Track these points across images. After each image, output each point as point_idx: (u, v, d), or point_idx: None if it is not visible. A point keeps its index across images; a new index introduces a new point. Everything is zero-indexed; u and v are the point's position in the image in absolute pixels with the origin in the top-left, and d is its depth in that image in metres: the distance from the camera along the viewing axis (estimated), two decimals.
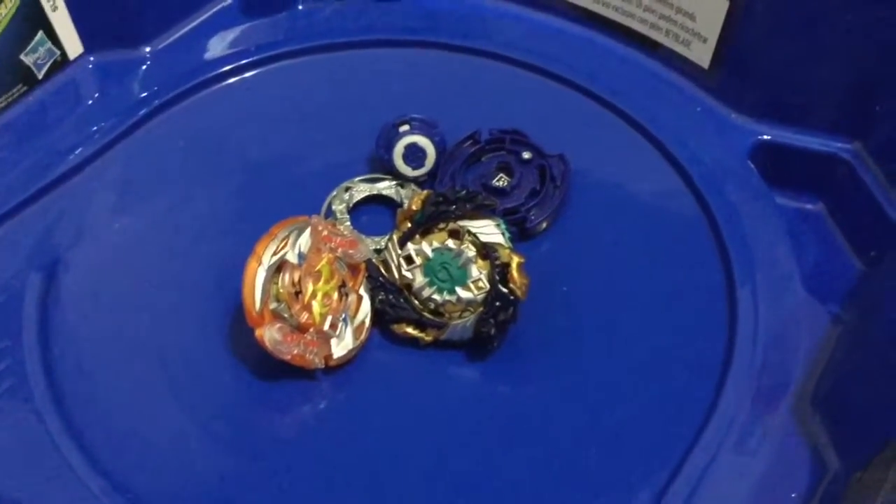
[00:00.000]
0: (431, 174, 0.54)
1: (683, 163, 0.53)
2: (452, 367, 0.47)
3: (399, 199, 0.53)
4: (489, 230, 0.46)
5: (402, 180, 0.53)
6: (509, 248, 0.46)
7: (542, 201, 0.52)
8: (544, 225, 0.52)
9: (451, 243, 0.47)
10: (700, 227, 0.51)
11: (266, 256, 0.45)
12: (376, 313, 0.48)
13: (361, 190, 0.53)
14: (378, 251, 0.50)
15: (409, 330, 0.47)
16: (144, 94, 0.57)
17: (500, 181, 0.53)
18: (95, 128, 0.56)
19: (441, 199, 0.47)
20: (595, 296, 0.49)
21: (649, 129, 0.54)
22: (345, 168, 0.54)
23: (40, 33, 0.56)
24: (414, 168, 0.53)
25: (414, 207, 0.47)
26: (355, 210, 0.53)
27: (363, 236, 0.50)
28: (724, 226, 0.50)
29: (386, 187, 0.53)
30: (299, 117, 0.57)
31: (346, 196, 0.53)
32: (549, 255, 0.51)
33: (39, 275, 0.49)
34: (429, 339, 0.47)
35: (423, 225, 0.47)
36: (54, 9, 0.56)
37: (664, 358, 0.46)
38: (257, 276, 0.44)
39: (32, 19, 0.55)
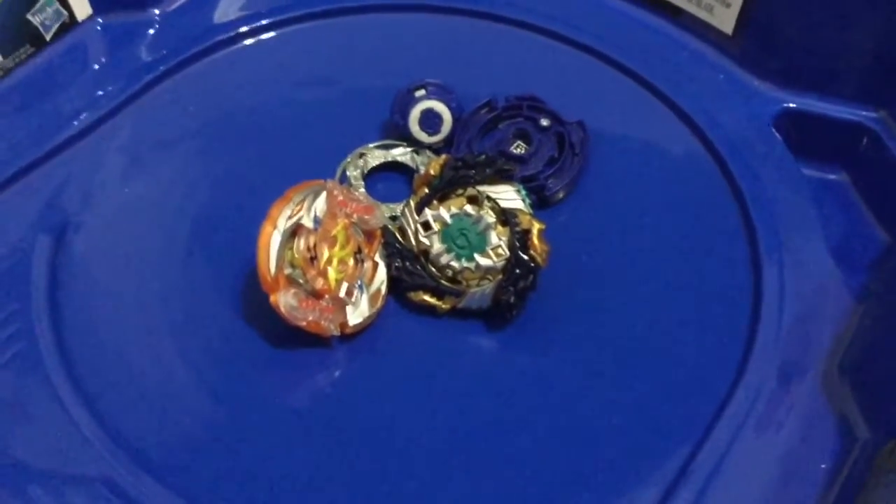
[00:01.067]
0: (447, 141, 0.52)
1: (706, 131, 0.52)
2: (470, 336, 0.46)
3: (414, 166, 0.52)
4: (509, 196, 0.45)
5: (417, 147, 0.52)
6: (530, 214, 0.45)
7: (561, 169, 0.51)
8: (562, 193, 0.51)
9: (469, 209, 0.45)
10: (723, 196, 0.50)
11: (281, 220, 0.44)
12: (392, 280, 0.47)
13: (376, 156, 0.52)
14: (393, 218, 0.49)
15: (426, 298, 0.46)
16: (153, 57, 0.56)
17: (518, 148, 0.52)
18: (103, 91, 0.54)
19: (460, 163, 0.46)
20: (615, 265, 0.48)
21: (671, 97, 0.53)
22: (359, 134, 0.53)
23: None
24: (430, 134, 0.52)
25: (432, 172, 0.46)
26: (370, 177, 0.52)
27: (378, 202, 0.49)
28: (749, 195, 0.49)
29: (401, 154, 0.52)
30: (312, 82, 0.56)
31: (361, 162, 0.52)
32: (568, 224, 0.50)
33: (48, 238, 0.48)
34: (446, 307, 0.46)
35: (441, 190, 0.46)
36: None
37: (687, 329, 0.45)
38: (272, 240, 0.43)
39: None
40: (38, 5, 0.54)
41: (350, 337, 0.46)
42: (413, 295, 0.46)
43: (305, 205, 0.45)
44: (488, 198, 0.46)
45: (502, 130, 0.53)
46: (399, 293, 0.47)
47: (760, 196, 0.49)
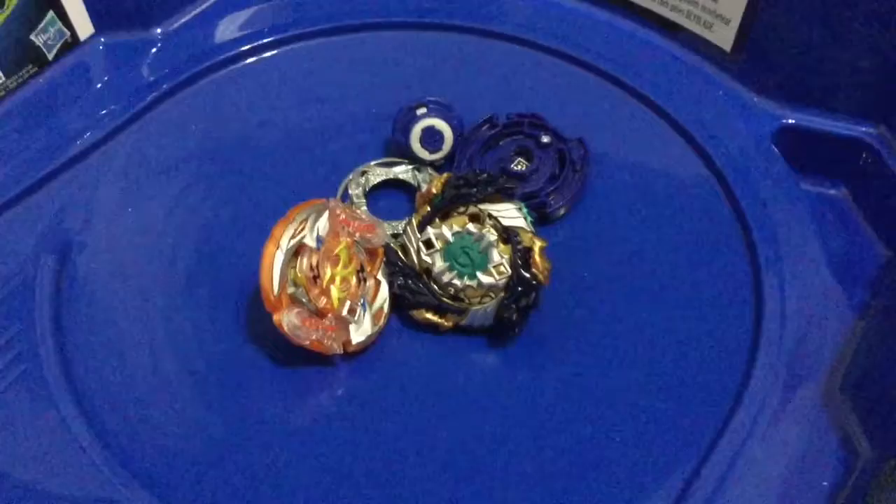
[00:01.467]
0: (448, 158, 0.53)
1: (706, 147, 0.52)
2: (473, 354, 0.46)
3: (416, 183, 0.52)
4: (511, 214, 0.46)
5: (418, 164, 0.53)
6: (531, 231, 0.45)
7: (562, 186, 0.51)
8: (563, 210, 0.51)
9: (471, 227, 0.46)
10: (723, 212, 0.50)
11: (284, 240, 0.44)
12: (395, 298, 0.47)
13: (378, 174, 0.52)
14: (395, 236, 0.49)
15: (429, 316, 0.46)
16: (156, 76, 0.57)
17: (519, 165, 0.52)
18: (106, 110, 0.55)
19: (462, 181, 0.46)
20: (617, 282, 0.48)
21: (670, 113, 0.53)
22: (360, 152, 0.54)
23: (50, 13, 0.55)
24: (431, 151, 0.52)
25: (434, 190, 0.46)
26: (371, 194, 0.52)
27: (380, 220, 0.49)
28: (749, 211, 0.50)
29: (402, 171, 0.53)
30: (313, 100, 0.56)
31: (362, 180, 0.52)
32: (569, 241, 0.50)
33: (51, 259, 0.48)
34: (448, 324, 0.46)
35: (443, 208, 0.46)
36: None
37: (689, 345, 0.45)
38: (275, 259, 0.44)
39: None
40: (40, 25, 0.54)
41: (353, 355, 0.46)
42: (415, 313, 0.46)
43: (308, 224, 0.45)
44: (490, 216, 0.46)
45: (503, 147, 0.53)
46: (401, 311, 0.47)
47: (760, 212, 0.50)
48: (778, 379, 0.43)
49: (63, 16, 0.55)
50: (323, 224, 0.45)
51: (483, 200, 0.46)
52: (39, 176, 0.51)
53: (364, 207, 0.51)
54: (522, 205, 0.46)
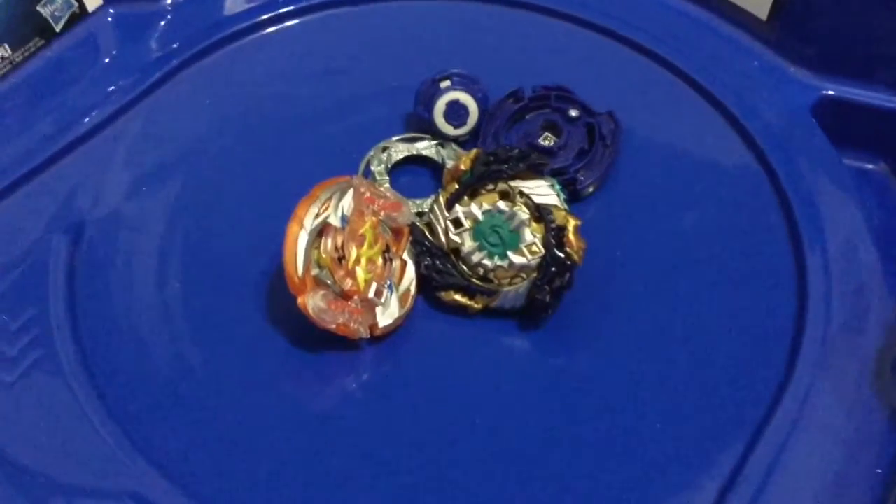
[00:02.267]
0: (473, 133, 0.51)
1: (742, 119, 0.50)
2: (503, 337, 0.44)
3: (440, 160, 0.50)
4: (543, 191, 0.44)
5: (442, 139, 0.51)
6: (565, 209, 0.43)
7: (591, 162, 0.49)
8: (593, 187, 0.49)
9: (502, 205, 0.44)
10: (762, 187, 0.48)
11: (308, 219, 0.42)
12: (422, 279, 0.45)
13: (400, 150, 0.50)
14: (419, 214, 0.47)
15: (458, 297, 0.44)
16: (167, 49, 0.55)
17: (547, 140, 0.50)
18: (116, 85, 0.53)
19: (492, 158, 0.44)
20: (651, 261, 0.46)
21: (704, 85, 0.51)
22: (381, 127, 0.51)
23: None
24: (455, 126, 0.50)
25: (462, 167, 0.44)
26: (393, 171, 0.50)
27: (405, 198, 0.48)
28: (788, 186, 0.48)
29: (426, 147, 0.51)
30: (333, 73, 0.54)
31: (384, 156, 0.50)
32: (600, 219, 0.48)
33: (64, 240, 0.46)
34: (478, 306, 0.44)
35: (472, 186, 0.44)
36: None
37: (730, 326, 0.43)
38: (299, 239, 0.42)
39: None
40: None
41: (379, 339, 0.44)
42: (444, 294, 0.45)
43: (332, 203, 0.43)
44: (521, 193, 0.44)
45: (530, 122, 0.51)
46: (429, 293, 0.45)
47: (800, 187, 0.48)
48: (825, 360, 0.41)
49: None
50: (347, 203, 0.43)
51: (514, 177, 0.44)
52: (48, 154, 0.49)
53: (387, 184, 0.49)
54: (555, 181, 0.44)
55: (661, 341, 0.43)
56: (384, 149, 0.50)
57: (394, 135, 0.51)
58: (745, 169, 0.49)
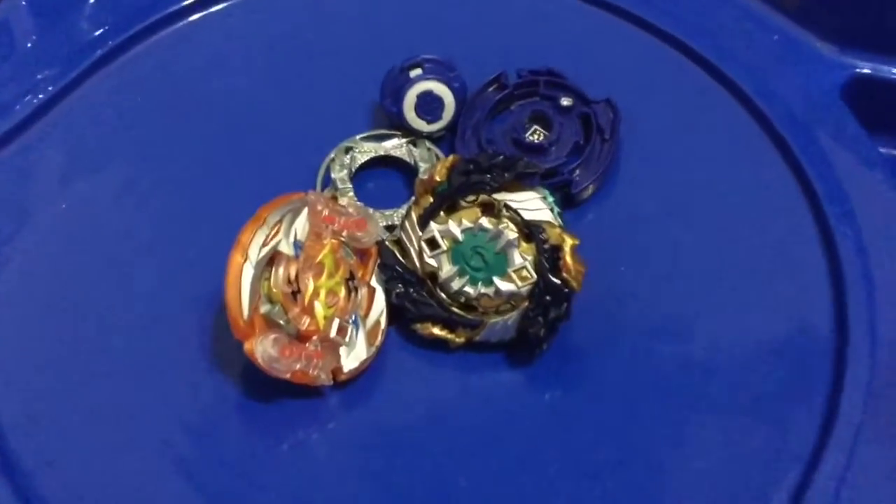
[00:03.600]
0: (450, 128, 0.44)
1: (761, 104, 0.44)
2: (490, 374, 0.38)
3: (412, 161, 0.43)
4: (533, 204, 0.37)
5: (413, 136, 0.43)
6: (559, 226, 0.37)
7: (589, 159, 0.42)
8: (591, 189, 0.42)
9: (485, 222, 0.37)
10: (786, 181, 0.42)
11: (253, 248, 0.35)
12: (393, 310, 0.38)
13: (365, 150, 0.43)
14: (389, 228, 0.40)
15: (436, 331, 0.38)
16: (94, 35, 0.47)
17: (535, 135, 0.43)
18: (32, 81, 0.45)
19: (471, 166, 0.37)
20: (662, 276, 0.40)
21: (718, 65, 0.45)
22: (343, 123, 0.44)
23: None
24: (429, 122, 0.43)
25: (437, 178, 0.37)
26: (358, 176, 0.43)
27: (371, 211, 0.41)
28: (816, 178, 0.42)
29: (395, 146, 0.43)
30: (285, 60, 0.47)
31: (347, 159, 0.43)
32: (599, 227, 0.42)
33: None
34: (460, 340, 0.38)
35: (449, 199, 0.37)
36: None
37: (761, 348, 0.38)
38: (243, 273, 0.35)
39: None
40: None
41: (345, 383, 0.37)
42: (419, 327, 0.38)
43: (283, 226, 0.36)
44: (507, 207, 0.37)
45: (515, 113, 0.44)
46: (402, 324, 0.39)
47: (829, 181, 0.42)
48: (876, 379, 0.35)
49: None
50: (301, 225, 0.37)
51: (499, 189, 0.37)
52: None
53: (350, 194, 0.42)
54: (547, 193, 0.37)
55: (677, 375, 0.37)
56: (347, 150, 0.43)
57: (357, 132, 0.44)
58: (766, 161, 0.43)
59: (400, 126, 0.43)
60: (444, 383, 0.38)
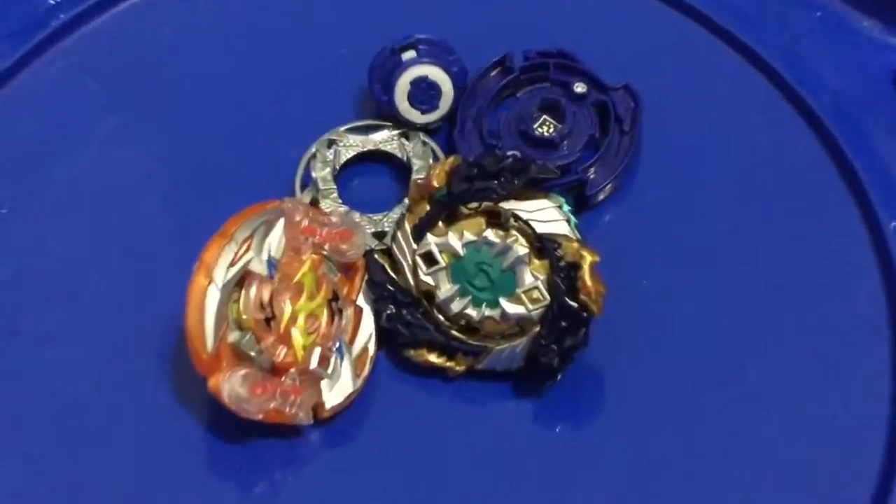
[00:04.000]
0: (447, 118, 0.38)
1: (801, 91, 0.38)
2: (494, 405, 0.33)
3: (404, 157, 0.38)
4: (547, 214, 0.32)
5: (406, 128, 0.38)
6: (577, 240, 0.31)
7: (606, 154, 0.37)
8: (609, 189, 0.37)
9: (491, 234, 0.32)
10: (830, 179, 0.37)
11: (219, 269, 0.30)
12: (383, 333, 0.33)
13: (351, 144, 0.38)
14: (378, 235, 0.35)
15: (432, 358, 0.33)
16: (38, 12, 0.41)
17: (545, 126, 0.38)
18: None
19: (475, 171, 0.32)
20: (690, 292, 0.35)
21: (752, 46, 0.39)
22: (326, 112, 0.39)
23: None
24: (424, 111, 0.38)
25: (435, 183, 0.32)
26: (342, 173, 0.38)
27: (358, 217, 0.35)
28: (867, 179, 0.36)
29: (385, 140, 0.38)
30: (260, 40, 0.41)
31: (330, 154, 0.38)
32: (617, 233, 0.37)
33: None
34: (460, 368, 0.33)
35: (449, 207, 0.32)
36: None
37: (808, 374, 0.32)
38: (207, 297, 0.30)
39: None
40: None
41: (328, 420, 0.32)
42: (413, 354, 0.33)
43: (254, 242, 0.31)
44: (516, 217, 0.32)
45: (522, 101, 0.39)
46: (394, 349, 0.34)
47: (880, 180, 0.36)
48: None
49: None
50: (276, 239, 0.31)
51: (507, 197, 0.32)
52: None
53: (334, 195, 0.37)
54: (563, 201, 0.32)
55: (708, 407, 0.32)
56: (330, 143, 0.38)
57: (341, 123, 0.38)
58: (809, 158, 0.38)
59: (391, 116, 0.38)
60: (441, 417, 0.33)
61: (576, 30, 0.40)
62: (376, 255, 0.34)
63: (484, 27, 0.40)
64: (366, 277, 0.34)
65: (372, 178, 0.38)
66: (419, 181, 0.33)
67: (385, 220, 0.36)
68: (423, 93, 0.37)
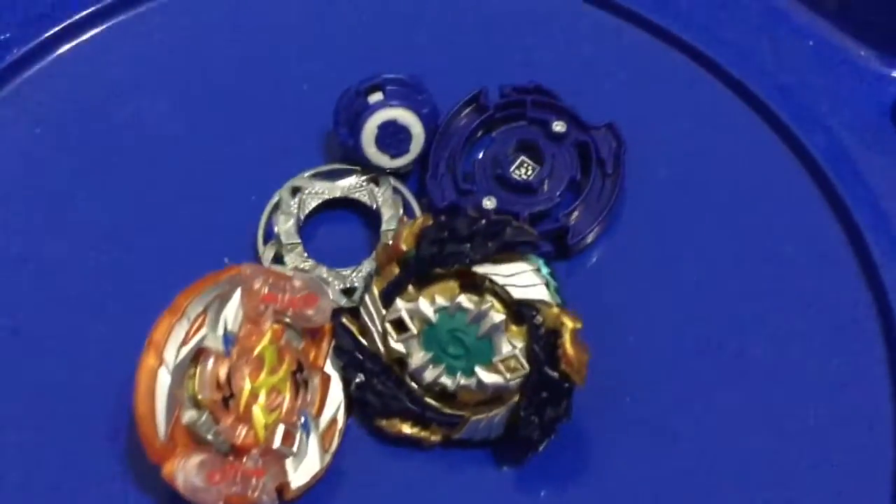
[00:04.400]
0: (418, 161, 0.36)
1: (794, 127, 0.36)
2: (474, 473, 0.31)
3: (373, 204, 0.35)
4: (525, 279, 0.30)
5: (375, 172, 0.36)
6: (558, 305, 0.29)
7: (589, 198, 0.35)
8: (592, 236, 0.35)
9: (464, 300, 0.29)
10: (826, 223, 0.35)
11: (170, 348, 0.28)
12: (353, 402, 0.31)
13: (316, 192, 0.36)
14: (347, 292, 0.33)
15: (406, 429, 0.31)
16: None
17: (523, 168, 0.36)
18: None
19: (446, 234, 0.29)
20: (680, 348, 0.33)
21: (741, 80, 0.37)
22: (288, 157, 0.36)
23: None
24: (393, 156, 0.35)
25: (403, 247, 0.30)
26: (306, 222, 0.35)
27: (325, 272, 0.33)
28: (863, 220, 0.34)
29: (353, 187, 0.36)
30: (211, 76, 0.38)
31: (294, 204, 0.35)
32: (601, 283, 0.34)
33: None
34: (436, 439, 0.31)
35: (419, 271, 0.30)
36: None
37: (804, 439, 0.30)
38: (158, 380, 0.28)
39: None
40: None
41: (294, 500, 0.30)
42: (385, 424, 0.31)
43: (209, 316, 0.29)
44: (492, 281, 0.29)
45: (498, 140, 0.37)
46: (364, 418, 0.31)
47: (881, 220, 0.34)
48: None
49: None
50: (233, 311, 0.29)
51: (482, 261, 0.29)
52: None
53: (299, 249, 0.34)
54: (542, 262, 0.30)
55: (700, 473, 0.30)
56: (294, 191, 0.35)
57: (305, 167, 0.36)
58: (804, 199, 0.35)
59: (357, 160, 0.36)
60: (417, 489, 0.31)
61: (552, 62, 0.38)
62: (344, 320, 0.31)
63: (455, 60, 0.38)
64: (333, 343, 0.31)
65: (338, 228, 0.36)
66: (387, 244, 0.30)
67: (354, 274, 0.34)
68: (392, 136, 0.35)
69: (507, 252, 0.29)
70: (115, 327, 0.31)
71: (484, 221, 0.29)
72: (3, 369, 0.32)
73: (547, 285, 0.29)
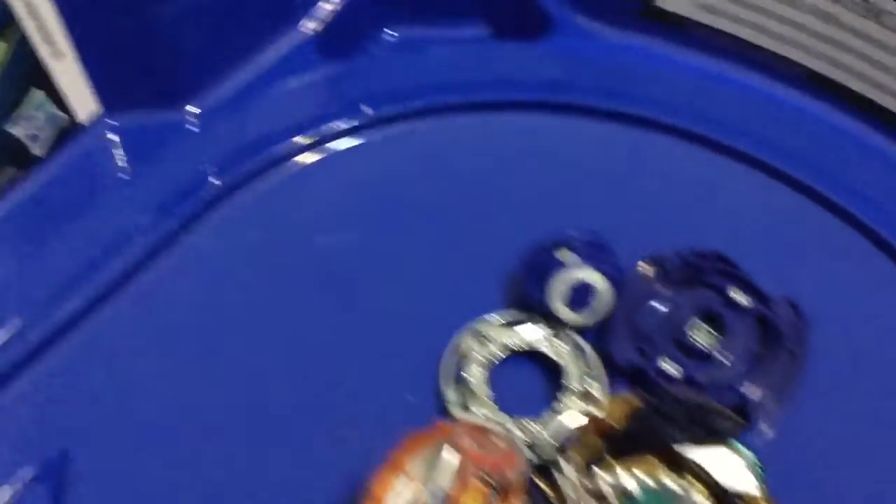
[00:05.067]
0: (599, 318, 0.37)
1: None
2: None
3: (555, 357, 0.36)
4: (731, 468, 0.30)
5: (555, 325, 0.37)
6: (765, 497, 0.30)
7: (770, 374, 0.35)
8: (773, 414, 0.35)
9: (667, 480, 0.30)
10: None
11: None
12: None
13: (503, 343, 0.37)
14: (531, 447, 0.34)
15: None
16: (193, 177, 0.40)
17: (701, 335, 0.36)
18: (123, 232, 0.38)
19: (653, 413, 0.30)
20: None
21: None
22: (462, 297, 0.38)
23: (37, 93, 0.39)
24: (577, 312, 0.36)
25: (615, 424, 0.31)
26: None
27: (508, 425, 0.34)
28: None
29: (536, 339, 0.37)
30: (397, 214, 0.40)
31: (482, 353, 0.36)
32: (785, 467, 0.34)
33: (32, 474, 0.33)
34: None
35: (623, 447, 0.31)
36: (57, 55, 0.39)
37: None
38: None
39: (22, 70, 0.38)
40: (20, 110, 0.38)
41: None
42: None
43: (419, 472, 0.30)
44: (696, 463, 0.30)
45: (676, 303, 0.38)
46: None
47: None
48: None
49: (54, 93, 0.39)
50: (446, 470, 0.30)
51: (684, 441, 0.30)
52: (27, 349, 0.35)
53: (489, 399, 0.35)
54: (751, 452, 0.31)
55: None
56: (480, 336, 0.37)
57: (485, 311, 0.37)
58: None
59: (541, 311, 0.37)
60: None
61: (724, 227, 0.39)
62: (536, 479, 0.32)
63: (634, 222, 0.39)
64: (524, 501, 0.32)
65: (516, 375, 0.37)
66: (598, 419, 0.32)
67: (534, 427, 0.35)
68: (578, 293, 0.36)
69: (713, 437, 0.30)
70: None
71: (694, 404, 0.30)
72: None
73: (755, 475, 0.30)
